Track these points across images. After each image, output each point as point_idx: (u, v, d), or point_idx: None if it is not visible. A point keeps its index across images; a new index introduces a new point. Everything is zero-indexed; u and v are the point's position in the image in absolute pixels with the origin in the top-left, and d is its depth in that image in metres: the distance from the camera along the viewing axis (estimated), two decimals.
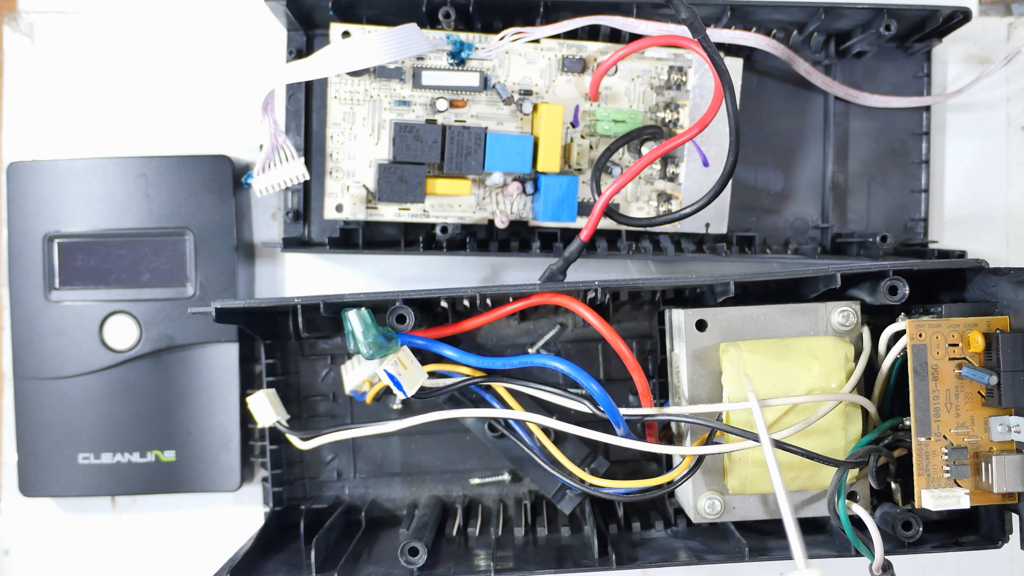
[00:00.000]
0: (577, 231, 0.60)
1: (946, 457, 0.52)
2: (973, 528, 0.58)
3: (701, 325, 0.57)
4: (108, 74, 0.70)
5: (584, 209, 0.64)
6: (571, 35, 0.62)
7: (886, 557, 0.53)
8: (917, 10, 0.64)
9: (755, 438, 0.53)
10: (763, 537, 0.58)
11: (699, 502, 0.58)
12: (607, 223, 0.63)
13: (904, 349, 0.53)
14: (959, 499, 0.51)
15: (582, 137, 0.64)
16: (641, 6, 0.62)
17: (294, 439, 0.59)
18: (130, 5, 0.70)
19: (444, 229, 0.63)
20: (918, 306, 0.56)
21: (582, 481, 0.59)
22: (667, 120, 0.64)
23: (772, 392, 0.55)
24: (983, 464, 0.52)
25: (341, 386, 0.62)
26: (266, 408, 0.60)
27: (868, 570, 0.53)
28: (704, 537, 0.61)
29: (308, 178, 0.62)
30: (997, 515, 0.56)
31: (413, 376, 0.56)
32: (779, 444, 0.53)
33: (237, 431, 0.67)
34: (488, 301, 0.60)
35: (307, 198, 0.67)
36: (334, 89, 0.62)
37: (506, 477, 0.67)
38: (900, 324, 0.54)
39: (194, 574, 0.70)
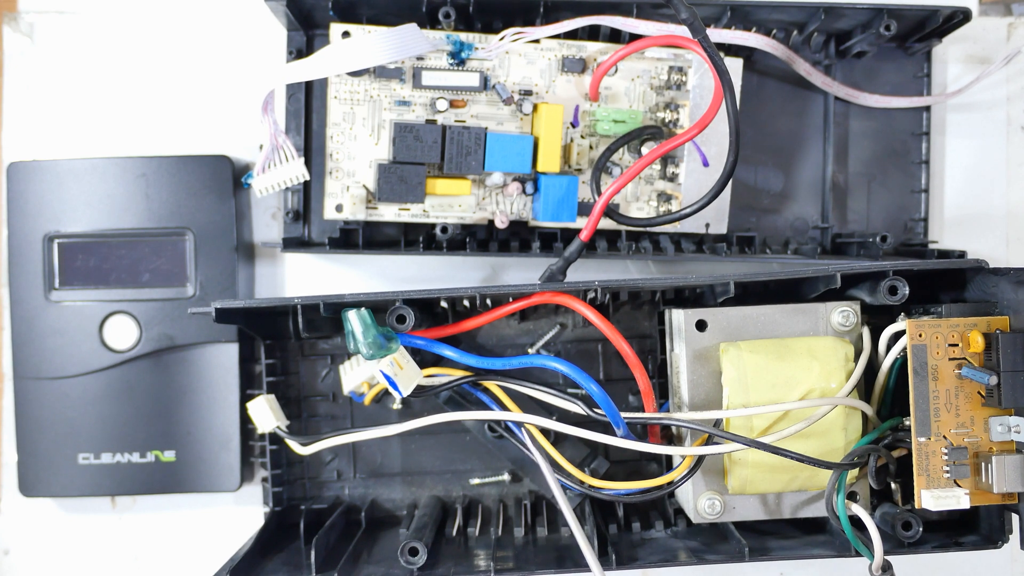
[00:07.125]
0: (577, 231, 0.60)
1: (946, 457, 0.52)
2: (973, 528, 0.58)
3: (701, 325, 0.57)
4: (108, 74, 0.70)
5: (584, 209, 0.64)
6: (571, 35, 0.62)
7: (886, 557, 0.53)
8: (917, 10, 0.64)
9: (750, 444, 0.53)
10: (763, 537, 0.58)
11: (699, 502, 0.58)
12: (607, 223, 0.63)
13: (904, 349, 0.53)
14: (959, 499, 0.51)
15: (582, 137, 0.64)
16: (641, 6, 0.62)
17: (294, 444, 0.59)
18: (130, 5, 0.70)
19: (444, 229, 0.63)
20: (918, 306, 0.55)
21: (581, 482, 0.59)
22: (667, 120, 0.64)
23: (772, 392, 0.55)
24: (983, 464, 0.52)
25: (341, 386, 0.62)
26: (266, 413, 0.60)
27: (868, 570, 0.53)
28: (704, 537, 0.61)
29: (308, 178, 0.62)
30: (997, 515, 0.56)
31: (409, 376, 0.56)
32: (774, 449, 0.53)
33: (237, 431, 0.67)
34: (488, 301, 0.60)
35: (307, 198, 0.67)
36: (334, 89, 0.62)
37: (506, 477, 0.67)
38: (900, 324, 0.54)
39: (194, 574, 0.70)
